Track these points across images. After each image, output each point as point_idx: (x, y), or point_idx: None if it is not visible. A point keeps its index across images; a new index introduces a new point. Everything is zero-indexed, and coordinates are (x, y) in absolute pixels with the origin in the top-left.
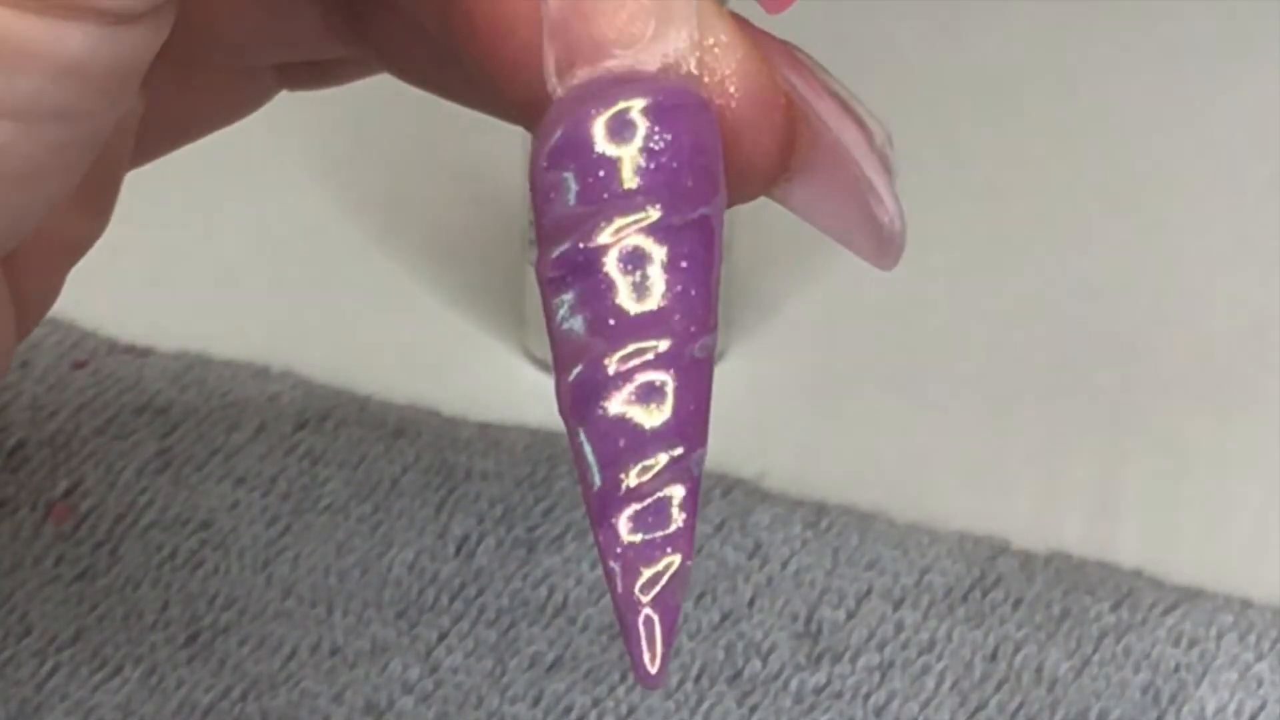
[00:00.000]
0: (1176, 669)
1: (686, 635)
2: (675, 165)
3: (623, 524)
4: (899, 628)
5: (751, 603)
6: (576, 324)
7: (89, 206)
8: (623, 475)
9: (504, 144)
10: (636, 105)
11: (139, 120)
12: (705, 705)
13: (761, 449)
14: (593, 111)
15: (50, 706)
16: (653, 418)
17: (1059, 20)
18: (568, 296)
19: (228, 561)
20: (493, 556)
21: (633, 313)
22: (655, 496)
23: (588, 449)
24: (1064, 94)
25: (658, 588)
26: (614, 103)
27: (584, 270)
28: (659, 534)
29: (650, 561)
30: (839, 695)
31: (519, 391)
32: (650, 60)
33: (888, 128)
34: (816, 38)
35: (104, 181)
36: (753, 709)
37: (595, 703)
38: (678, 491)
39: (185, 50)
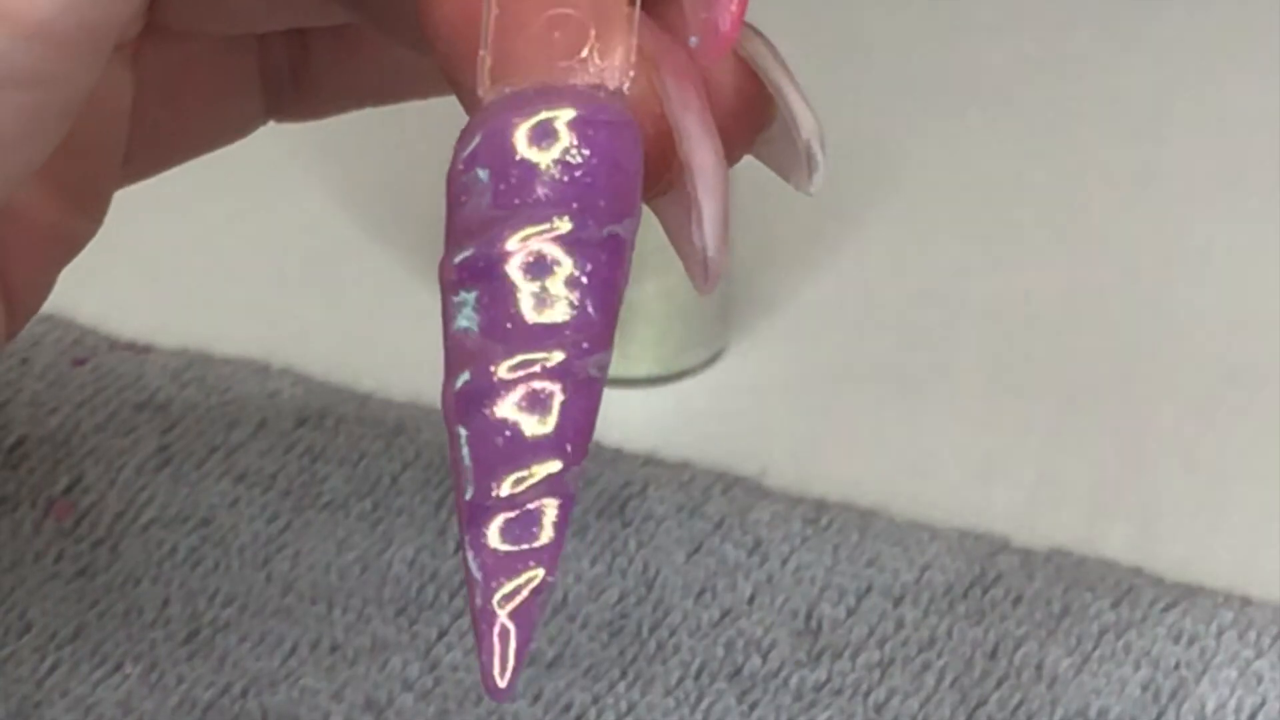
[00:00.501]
0: (1176, 666)
1: (686, 632)
2: (591, 180)
3: (492, 532)
4: (899, 625)
5: (751, 600)
6: (472, 327)
7: (79, 205)
8: (497, 483)
9: None
10: (562, 116)
11: (128, 116)
12: (705, 702)
13: (761, 446)
14: (516, 118)
15: (50, 703)
16: (535, 428)
17: (1058, 18)
18: (467, 298)
19: (228, 558)
20: None
21: (530, 321)
22: (527, 508)
23: (466, 452)
24: (1065, 92)
25: (517, 600)
26: (539, 111)
27: (486, 274)
28: (526, 546)
29: (513, 573)
30: (839, 692)
31: None
32: (583, 74)
33: (820, 124)
34: (816, 35)
35: (94, 179)
36: (752, 706)
37: (595, 700)
38: (551, 506)
39: (173, 11)
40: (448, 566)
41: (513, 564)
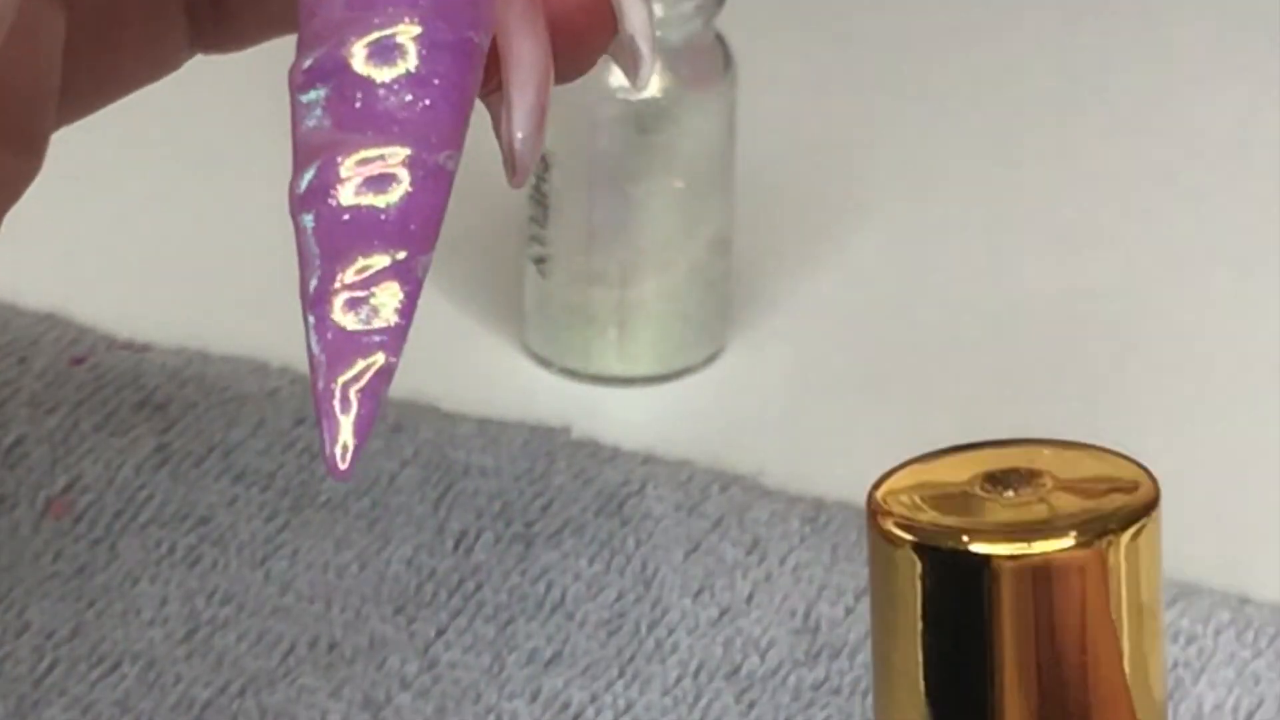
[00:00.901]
0: (1174, 665)
1: (684, 631)
2: None
3: (336, 311)
4: None
5: (750, 599)
6: (321, 124)
7: (16, 145)
8: (343, 266)
9: None
10: None
11: (60, 54)
12: (703, 701)
13: (760, 445)
14: None
15: (48, 702)
16: (381, 214)
17: (1056, 16)
18: (316, 96)
19: (226, 557)
20: (491, 552)
21: (378, 113)
22: (372, 291)
23: (311, 240)
24: (1066, 92)
25: (361, 381)
26: None
27: (335, 71)
28: (370, 327)
29: (357, 353)
30: (837, 691)
31: (517, 387)
32: None
33: (650, 23)
34: (816, 35)
35: (30, 120)
36: (751, 705)
37: (593, 698)
38: (396, 290)
39: None
40: (446, 565)
41: (356, 344)
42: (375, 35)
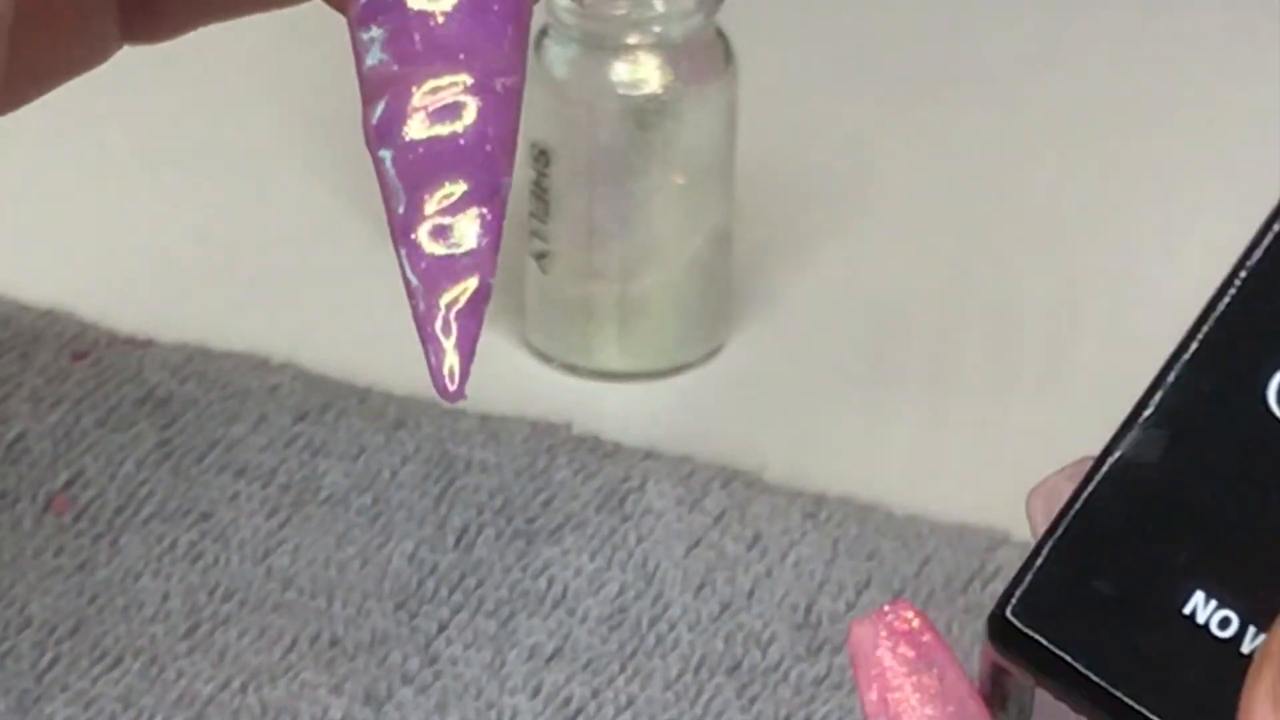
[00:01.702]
0: None
1: (686, 626)
2: None
3: (424, 239)
4: None
5: (751, 594)
6: (384, 58)
7: None
8: (427, 195)
9: None
10: None
11: (5, 44)
12: (705, 696)
13: (761, 441)
14: None
15: (50, 697)
16: (454, 142)
17: (1057, 11)
18: (377, 33)
19: (228, 553)
20: (492, 548)
21: (437, 44)
22: (456, 217)
23: (392, 171)
24: (1064, 86)
25: (460, 304)
26: None
27: (393, 4)
28: (460, 251)
29: (452, 277)
30: (838, 686)
31: (519, 383)
32: None
33: None
34: (816, 30)
35: None
36: (752, 700)
37: (594, 694)
38: (482, 214)
39: None
40: (447, 561)
41: (449, 269)
42: None
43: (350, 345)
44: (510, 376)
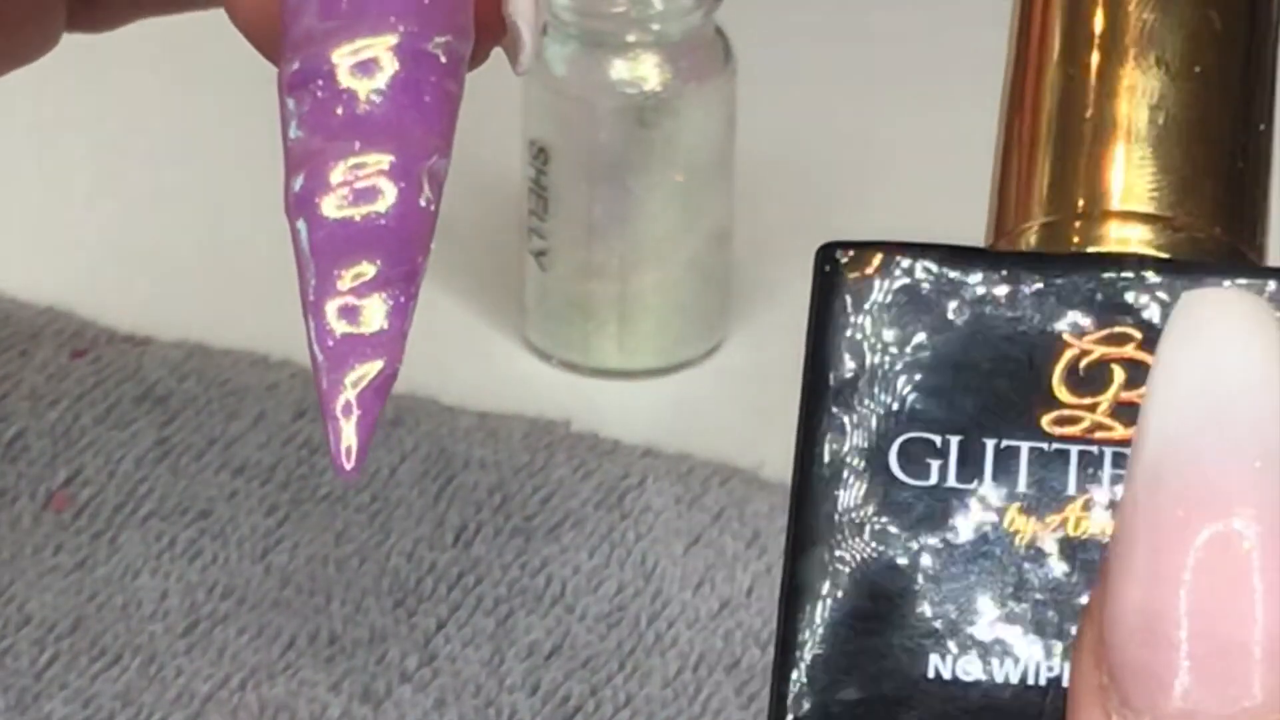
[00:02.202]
0: None
1: (684, 624)
2: None
3: (332, 316)
4: None
5: (750, 591)
6: (307, 130)
7: None
8: (339, 273)
9: (503, 133)
10: None
11: None
12: (703, 694)
13: (760, 438)
14: None
15: (49, 695)
16: (372, 223)
17: None
18: (299, 108)
19: (226, 551)
20: (490, 545)
21: (361, 121)
22: (366, 298)
23: (306, 245)
24: None
25: (362, 385)
26: None
27: (320, 78)
28: (366, 332)
29: (359, 357)
30: None
31: (517, 380)
32: None
33: (536, 9)
34: (816, 24)
35: None
36: (751, 698)
37: (593, 691)
38: (391, 297)
39: None
40: (445, 558)
41: (354, 349)
42: (355, 45)
43: None
44: (509, 374)
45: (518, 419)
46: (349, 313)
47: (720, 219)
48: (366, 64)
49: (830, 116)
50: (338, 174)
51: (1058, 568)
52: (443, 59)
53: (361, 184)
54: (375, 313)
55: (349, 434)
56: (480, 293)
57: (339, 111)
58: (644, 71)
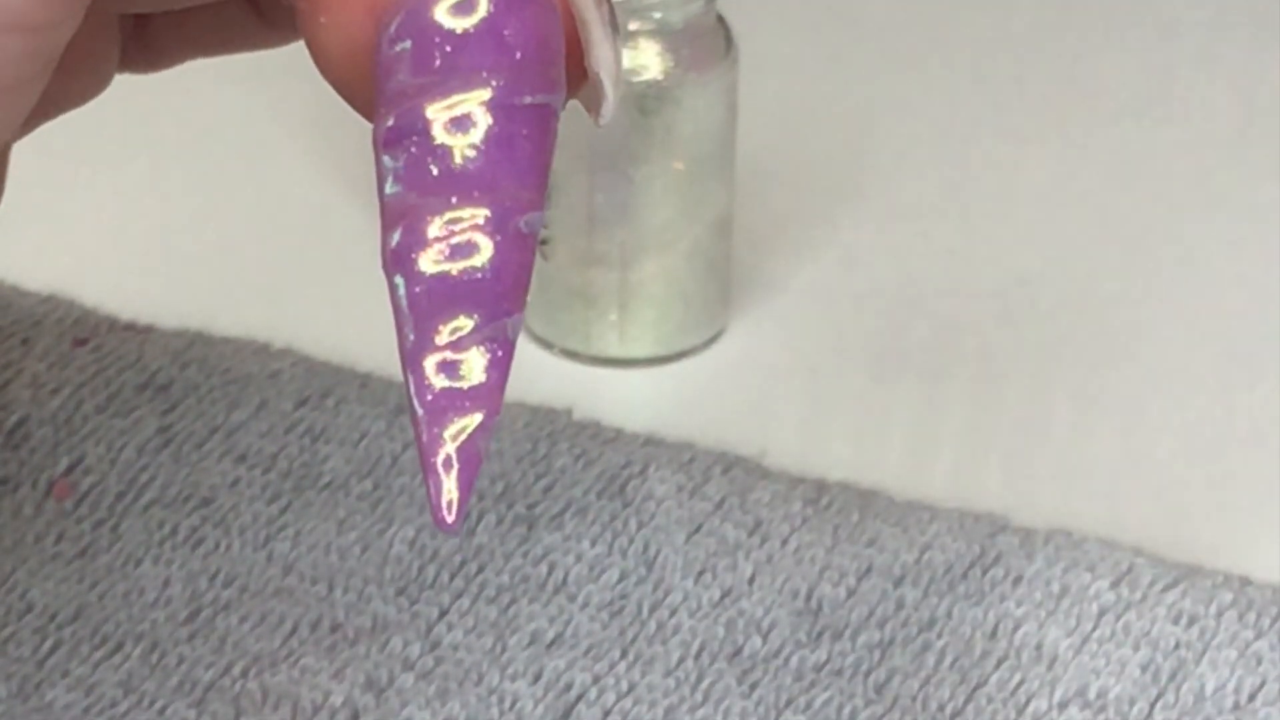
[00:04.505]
0: (1176, 646)
1: (686, 612)
2: (515, 49)
3: (431, 371)
4: (899, 605)
5: (752, 580)
6: (401, 189)
7: None
8: (435, 329)
9: None
10: None
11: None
12: (705, 682)
13: (762, 427)
14: None
15: (51, 683)
16: (471, 276)
17: (1058, 1)
18: (394, 164)
19: (228, 539)
20: (493, 534)
21: (457, 177)
22: (467, 352)
23: (405, 302)
24: (1063, 74)
25: (461, 439)
26: None
27: (411, 137)
28: (465, 385)
29: (458, 410)
30: (839, 673)
31: (519, 369)
32: None
33: (618, 63)
34: (816, 16)
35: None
36: (753, 686)
37: (595, 679)
38: (489, 350)
39: None
40: (448, 546)
41: (453, 403)
42: (450, 101)
43: (351, 331)
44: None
45: (519, 407)
46: (448, 367)
47: (721, 208)
48: (461, 120)
49: (831, 105)
50: (434, 229)
51: None
52: (536, 113)
53: (458, 239)
54: (474, 366)
55: (450, 488)
56: None
57: (434, 167)
58: (645, 60)
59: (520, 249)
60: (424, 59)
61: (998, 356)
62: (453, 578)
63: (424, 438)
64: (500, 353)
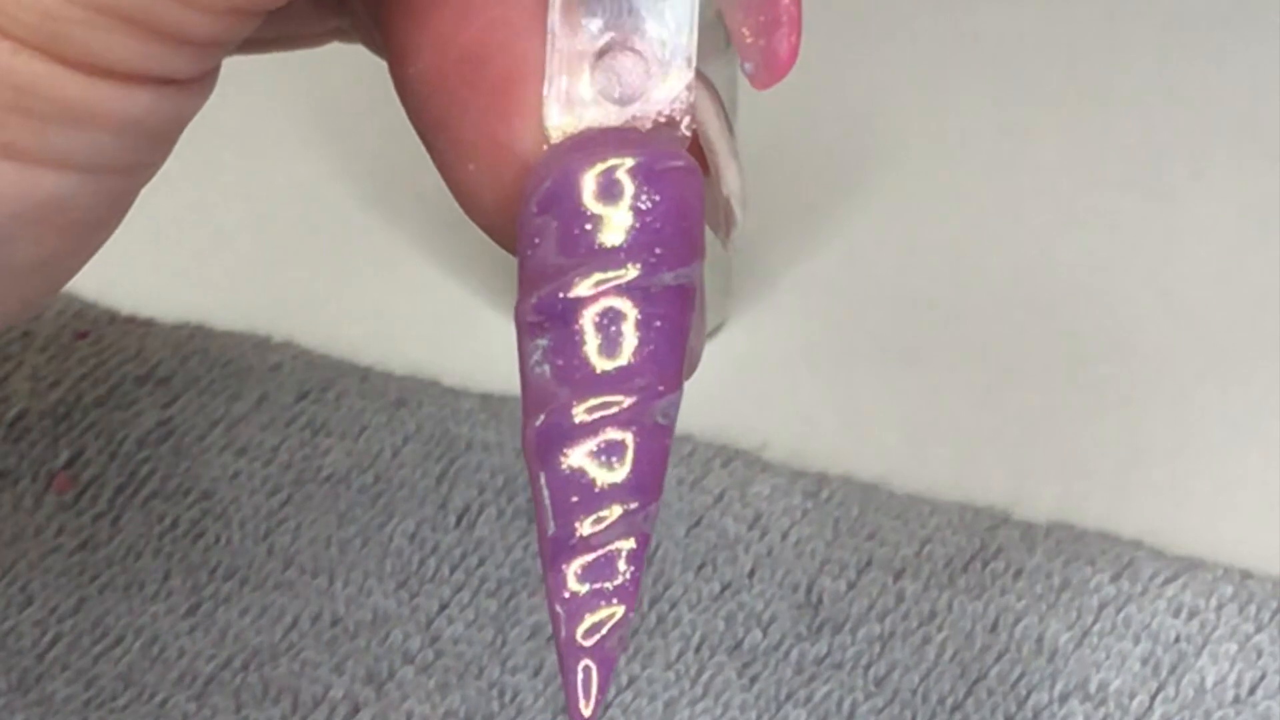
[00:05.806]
0: (1176, 640)
1: (687, 605)
2: (659, 226)
3: (571, 572)
4: (899, 598)
5: (752, 573)
6: (546, 371)
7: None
8: (577, 524)
9: None
10: (626, 164)
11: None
12: (706, 675)
13: (762, 419)
14: (584, 164)
15: (52, 676)
16: (611, 473)
17: None
18: (541, 343)
19: (229, 532)
20: (493, 527)
21: (599, 369)
22: (605, 549)
23: (546, 495)
24: (1066, 67)
25: (598, 635)
26: (605, 159)
27: (560, 320)
28: (605, 585)
29: (594, 610)
30: (839, 666)
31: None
32: (647, 113)
33: (744, 185)
34: (818, 7)
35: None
36: (753, 679)
37: None
38: (627, 545)
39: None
40: (448, 540)
41: (594, 602)
42: (593, 281)
43: (352, 324)
44: (511, 356)
45: (520, 401)
46: (589, 565)
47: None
48: (609, 311)
49: (832, 99)
50: (579, 415)
51: None
52: (678, 293)
53: (601, 438)
54: (615, 563)
55: (592, 690)
56: (483, 274)
57: (581, 358)
58: None
59: (659, 437)
60: (569, 240)
61: (999, 350)
62: (453, 571)
63: (562, 634)
64: (636, 548)
